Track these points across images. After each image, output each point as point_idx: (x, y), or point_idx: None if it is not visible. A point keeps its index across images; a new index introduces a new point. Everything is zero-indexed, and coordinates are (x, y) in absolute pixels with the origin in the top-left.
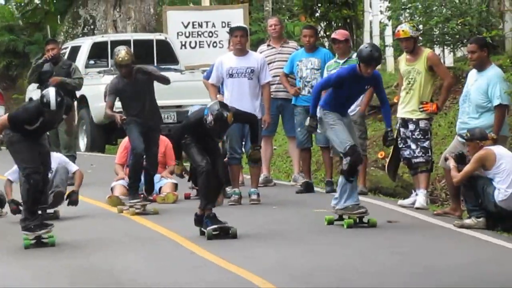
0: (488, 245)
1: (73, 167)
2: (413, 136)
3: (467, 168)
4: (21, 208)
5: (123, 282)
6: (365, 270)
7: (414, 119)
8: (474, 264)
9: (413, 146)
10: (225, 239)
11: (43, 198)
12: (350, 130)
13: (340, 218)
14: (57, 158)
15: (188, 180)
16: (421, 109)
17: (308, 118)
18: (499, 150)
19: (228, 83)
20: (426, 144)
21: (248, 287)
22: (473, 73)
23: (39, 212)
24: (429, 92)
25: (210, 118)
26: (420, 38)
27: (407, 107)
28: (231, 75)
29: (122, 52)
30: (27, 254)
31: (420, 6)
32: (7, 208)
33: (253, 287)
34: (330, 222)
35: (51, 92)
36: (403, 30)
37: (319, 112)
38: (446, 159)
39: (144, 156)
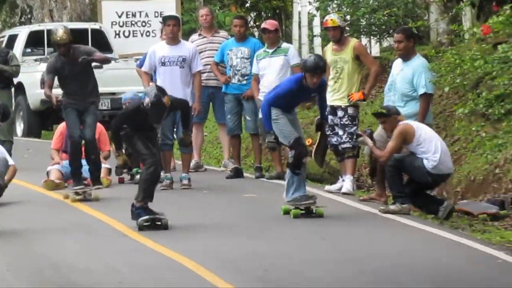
0: (414, 231)
1: (9, 160)
2: (341, 122)
3: (390, 145)
4: None
5: (60, 266)
6: (295, 256)
7: (343, 106)
8: (402, 249)
9: (341, 133)
10: (156, 230)
11: None
12: (295, 124)
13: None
14: None
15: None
16: (349, 100)
17: (267, 135)
18: (414, 123)
19: (161, 71)
20: (353, 130)
21: (180, 270)
22: (398, 63)
23: None
24: (356, 80)
25: (147, 100)
26: (347, 28)
27: (336, 95)
28: (163, 64)
29: (60, 31)
30: None
31: None
32: None
33: (185, 270)
34: (286, 212)
35: None
36: (331, 19)
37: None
38: (358, 135)
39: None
